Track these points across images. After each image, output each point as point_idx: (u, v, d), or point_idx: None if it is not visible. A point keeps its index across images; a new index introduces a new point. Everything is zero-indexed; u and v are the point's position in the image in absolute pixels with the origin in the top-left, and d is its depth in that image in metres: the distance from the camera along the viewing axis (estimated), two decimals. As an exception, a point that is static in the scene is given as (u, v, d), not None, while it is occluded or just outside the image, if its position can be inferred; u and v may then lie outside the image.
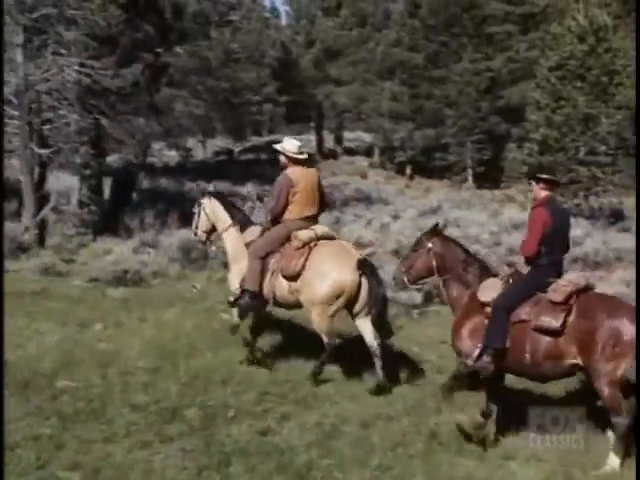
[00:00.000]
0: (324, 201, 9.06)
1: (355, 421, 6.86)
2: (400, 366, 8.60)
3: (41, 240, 14.75)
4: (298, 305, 8.44)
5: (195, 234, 9.60)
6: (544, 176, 7.23)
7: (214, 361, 8.20)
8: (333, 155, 45.82)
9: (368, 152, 46.75)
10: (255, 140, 49.89)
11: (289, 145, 8.73)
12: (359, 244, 15.39)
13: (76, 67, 14.41)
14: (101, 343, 8.85)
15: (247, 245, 8.75)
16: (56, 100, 14.65)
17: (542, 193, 7.19)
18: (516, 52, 38.71)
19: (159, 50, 16.59)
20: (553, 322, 6.63)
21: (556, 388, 7.94)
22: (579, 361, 6.56)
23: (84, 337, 9.17)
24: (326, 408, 7.22)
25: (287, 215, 8.58)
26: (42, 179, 15.60)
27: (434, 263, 7.38)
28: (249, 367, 8.14)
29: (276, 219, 8.65)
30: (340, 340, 8.29)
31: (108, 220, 16.80)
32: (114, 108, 16.05)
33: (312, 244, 8.36)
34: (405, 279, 7.55)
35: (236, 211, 9.34)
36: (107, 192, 18.30)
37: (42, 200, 15.21)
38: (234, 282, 8.81)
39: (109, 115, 15.82)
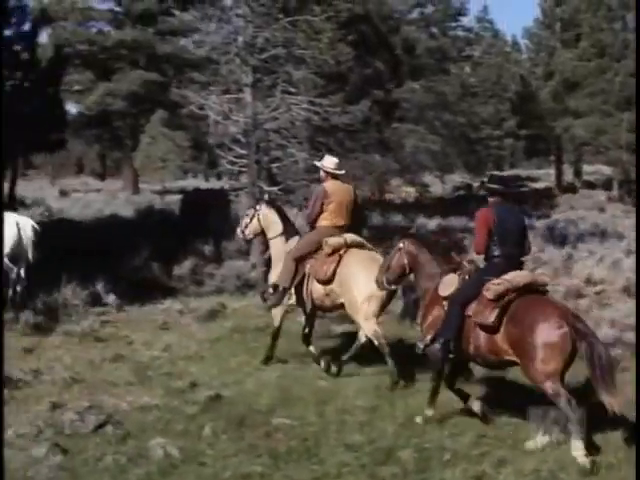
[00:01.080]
0: (360, 214, 10.69)
1: (575, 469, 6.36)
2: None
3: (266, 277, 14.87)
4: (334, 308, 9.68)
5: (241, 232, 10.65)
6: (496, 186, 8.13)
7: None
8: (572, 189, 44.39)
9: (607, 185, 44.79)
10: (496, 175, 48.93)
11: (328, 162, 9.93)
12: (589, 282, 14.77)
13: (304, 105, 14.54)
14: (321, 381, 8.88)
15: (288, 252, 9.84)
16: (284, 138, 14.80)
17: (490, 199, 8.02)
18: None
19: (389, 86, 16.49)
20: (488, 319, 7.23)
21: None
22: (515, 358, 7.11)
23: (304, 374, 9.26)
24: (545, 453, 6.75)
25: (321, 222, 9.72)
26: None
27: (406, 261, 8.13)
28: (461, 409, 7.75)
29: (312, 225, 9.88)
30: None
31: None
32: (343, 145, 16.04)
33: (342, 251, 9.35)
34: (384, 279, 8.28)
35: (287, 222, 10.37)
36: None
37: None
38: (271, 281, 10.06)
39: (338, 152, 15.79)
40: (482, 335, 7.34)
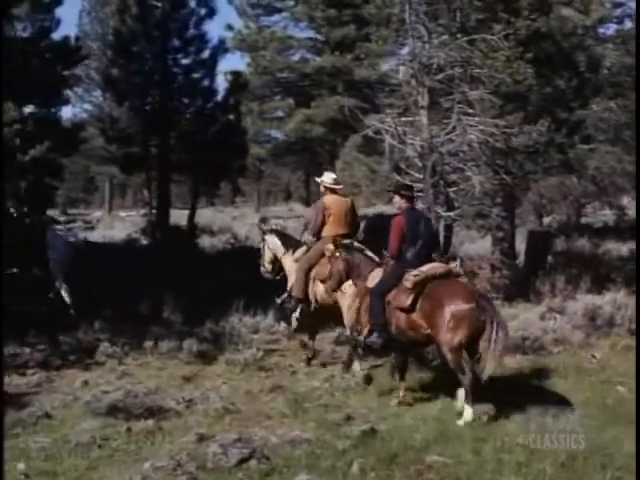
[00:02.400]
0: (357, 224, 11.63)
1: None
2: None
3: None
4: (335, 306, 10.69)
5: (263, 266, 12.28)
6: (404, 192, 9.56)
7: (597, 441, 7.42)
8: None
9: None
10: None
11: (326, 178, 11.59)
12: None
13: (481, 127, 14.01)
14: (483, 416, 8.39)
15: (296, 260, 11.48)
16: (461, 161, 14.36)
17: (403, 205, 9.42)
18: None
19: (573, 105, 15.63)
20: (404, 303, 8.72)
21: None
22: (430, 332, 8.55)
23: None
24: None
25: (324, 233, 11.18)
26: (448, 243, 15.39)
27: (342, 267, 9.73)
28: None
29: (317, 236, 11.30)
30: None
31: (521, 284, 16.06)
32: (522, 167, 15.38)
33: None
34: (329, 286, 10.10)
35: (290, 239, 12.22)
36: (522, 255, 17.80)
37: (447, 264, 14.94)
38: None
39: (517, 175, 15.17)
40: (402, 316, 8.83)
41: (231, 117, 23.58)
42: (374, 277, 9.28)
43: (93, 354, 11.44)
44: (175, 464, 6.80)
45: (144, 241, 23.41)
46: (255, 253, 20.30)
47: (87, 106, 36.19)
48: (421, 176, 14.59)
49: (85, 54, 21.69)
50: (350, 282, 9.94)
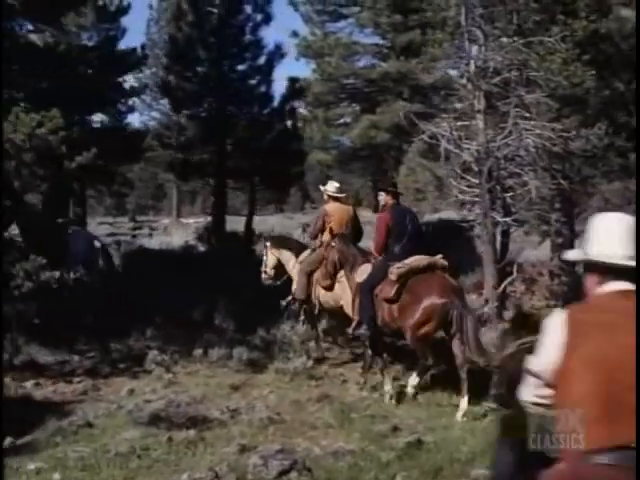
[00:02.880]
0: (359, 231, 12.12)
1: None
2: None
3: (500, 313, 14.26)
4: (337, 307, 11.25)
5: (264, 272, 12.82)
6: (390, 189, 10.46)
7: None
8: None
9: None
10: None
11: (329, 186, 12.15)
12: None
13: (537, 130, 13.75)
14: None
15: (300, 263, 12.04)
16: (518, 166, 14.11)
17: (389, 201, 10.19)
18: None
19: (632, 108, 15.20)
20: (389, 294, 9.30)
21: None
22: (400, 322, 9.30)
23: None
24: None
25: (323, 238, 11.70)
26: (505, 249, 15.12)
27: (337, 257, 10.60)
28: None
29: (313, 239, 12.18)
30: None
31: (580, 292, 15.67)
32: (580, 172, 15.05)
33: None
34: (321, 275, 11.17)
35: (293, 242, 13.38)
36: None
37: (504, 271, 14.71)
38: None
39: (574, 180, 14.85)
40: (386, 307, 9.45)
41: (288, 123, 23.64)
42: (362, 272, 9.95)
43: (142, 362, 11.44)
44: (213, 475, 6.74)
45: (201, 248, 23.53)
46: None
47: (155, 114, 36.70)
48: (477, 181, 14.40)
49: (137, 61, 22.14)
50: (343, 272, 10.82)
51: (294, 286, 12.12)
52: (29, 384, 10.41)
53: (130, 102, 24.97)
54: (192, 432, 8.00)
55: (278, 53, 23.47)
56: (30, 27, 12.75)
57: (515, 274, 15.02)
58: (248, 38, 22.95)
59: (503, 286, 14.62)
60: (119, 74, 24.49)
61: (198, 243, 24.34)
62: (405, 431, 8.22)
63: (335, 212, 11.82)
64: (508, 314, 14.59)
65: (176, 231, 32.45)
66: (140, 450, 7.51)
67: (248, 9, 22.91)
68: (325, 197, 12.25)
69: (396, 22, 32.74)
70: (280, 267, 12.69)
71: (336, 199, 12.07)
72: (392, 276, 9.28)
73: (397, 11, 32.69)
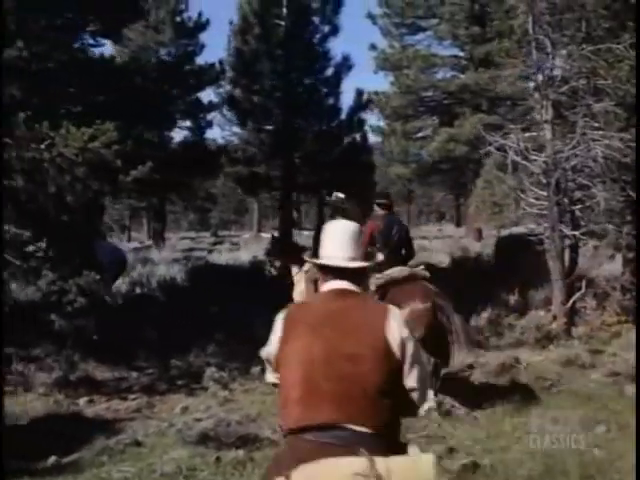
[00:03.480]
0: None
1: None
2: None
3: (569, 330, 13.93)
4: None
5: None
6: (380, 201, 10.70)
7: None
8: None
9: None
10: None
11: (333, 197, 13.12)
12: None
13: (606, 141, 13.44)
14: (595, 449, 7.91)
15: (306, 272, 11.75)
16: (586, 177, 13.79)
17: (379, 211, 10.53)
18: None
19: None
20: None
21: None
22: None
23: (579, 440, 8.18)
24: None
25: None
26: (574, 263, 14.77)
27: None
28: None
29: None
30: None
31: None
32: (652, 183, 14.63)
33: None
34: None
35: (299, 248, 13.46)
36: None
37: (573, 286, 14.38)
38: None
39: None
40: None
41: (357, 136, 23.58)
42: None
43: (200, 379, 11.37)
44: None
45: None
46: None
47: (236, 129, 37.06)
48: (545, 193, 14.13)
49: (215, 77, 22.38)
50: None
51: (296, 290, 12.24)
52: (82, 401, 10.42)
53: (209, 117, 25.32)
54: (241, 452, 7.82)
55: (346, 65, 23.40)
56: (91, 41, 12.92)
57: (584, 289, 14.68)
58: (315, 50, 22.95)
59: (572, 301, 14.30)
60: (197, 89, 25.02)
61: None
62: (461, 453, 7.97)
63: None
64: (577, 331, 14.21)
65: (250, 246, 32.62)
66: (187, 470, 7.39)
67: (316, 20, 22.90)
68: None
69: (474, 34, 32.59)
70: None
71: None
72: (371, 287, 9.13)
73: (475, 22, 32.57)
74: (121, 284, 17.00)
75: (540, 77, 14.36)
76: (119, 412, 10.03)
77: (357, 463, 3.22)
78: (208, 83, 25.35)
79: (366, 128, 25.15)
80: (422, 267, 10.20)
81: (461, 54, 34.76)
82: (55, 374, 10.91)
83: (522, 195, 14.60)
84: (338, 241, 3.77)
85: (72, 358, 11.19)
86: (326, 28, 23.05)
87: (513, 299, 16.55)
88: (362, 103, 24.08)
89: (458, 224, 53.13)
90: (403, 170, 36.43)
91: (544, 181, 14.16)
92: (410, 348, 3.60)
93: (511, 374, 11.73)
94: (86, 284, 9.73)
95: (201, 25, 25.87)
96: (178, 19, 25.79)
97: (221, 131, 37.21)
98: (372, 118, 37.29)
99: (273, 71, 22.60)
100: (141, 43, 24.23)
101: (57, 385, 10.69)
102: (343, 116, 23.48)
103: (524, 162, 14.42)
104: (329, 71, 23.19)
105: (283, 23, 22.42)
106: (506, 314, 15.73)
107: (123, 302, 15.63)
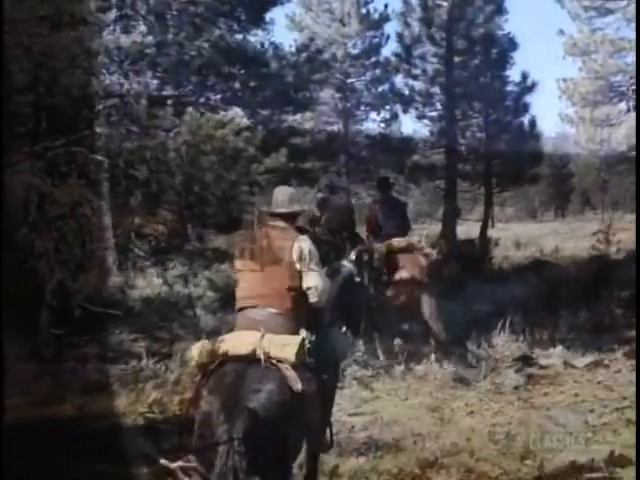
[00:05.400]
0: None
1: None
2: None
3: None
4: None
5: None
6: (380, 185, 13.30)
7: None
8: None
9: None
10: None
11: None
12: None
13: None
14: None
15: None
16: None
17: (379, 195, 13.12)
18: None
19: None
20: None
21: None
22: None
23: None
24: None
25: None
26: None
27: None
28: None
29: None
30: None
31: None
32: None
33: None
34: None
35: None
36: None
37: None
38: None
39: None
40: None
41: (525, 121, 22.66)
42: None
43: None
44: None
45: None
46: (550, 267, 19.41)
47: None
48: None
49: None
50: None
51: None
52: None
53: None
54: (362, 460, 7.28)
55: (511, 47, 22.42)
56: (236, 27, 12.80)
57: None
58: (479, 32, 22.12)
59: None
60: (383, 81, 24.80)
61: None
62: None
63: None
64: None
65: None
66: (301, 478, 6.79)
67: (479, 1, 22.05)
68: None
69: (665, 13, 30.89)
70: None
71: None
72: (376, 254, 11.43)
73: (668, 1, 30.86)
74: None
75: None
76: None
77: (254, 335, 4.88)
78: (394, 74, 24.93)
79: (534, 114, 23.66)
80: (417, 239, 12.59)
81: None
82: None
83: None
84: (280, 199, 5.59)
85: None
86: (488, 8, 22.21)
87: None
88: (527, 86, 22.99)
89: (642, 213, 50.55)
90: (592, 160, 35.88)
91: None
92: (306, 260, 5.21)
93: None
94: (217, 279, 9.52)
95: (386, 16, 25.59)
96: (363, 10, 25.66)
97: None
98: (561, 106, 36.28)
99: (434, 55, 22.04)
100: (327, 36, 24.34)
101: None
102: (509, 102, 22.61)
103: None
104: (493, 54, 22.29)
105: (445, 4, 21.72)
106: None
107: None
